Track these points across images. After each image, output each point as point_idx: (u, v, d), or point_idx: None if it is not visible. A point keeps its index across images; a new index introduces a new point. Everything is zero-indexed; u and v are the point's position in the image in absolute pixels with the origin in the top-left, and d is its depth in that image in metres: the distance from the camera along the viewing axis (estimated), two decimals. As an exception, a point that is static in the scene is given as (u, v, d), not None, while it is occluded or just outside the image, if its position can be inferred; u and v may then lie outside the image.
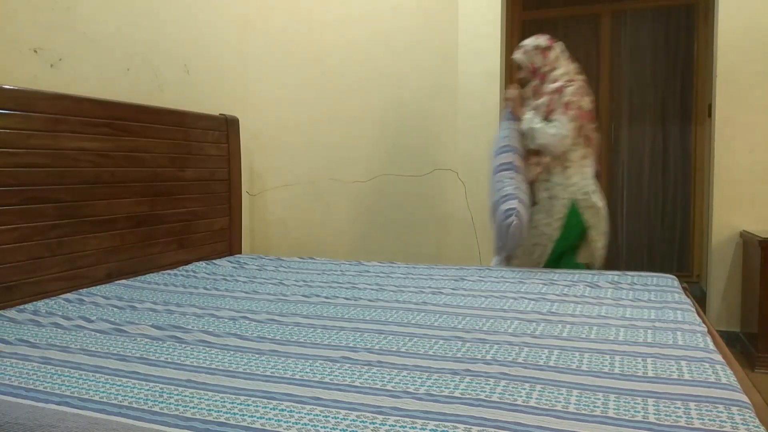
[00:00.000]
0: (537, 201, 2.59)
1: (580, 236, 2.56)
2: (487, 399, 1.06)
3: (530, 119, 2.55)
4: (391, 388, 1.12)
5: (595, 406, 1.02)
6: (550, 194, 2.54)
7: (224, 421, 0.99)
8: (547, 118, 2.52)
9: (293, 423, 0.98)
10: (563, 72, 2.60)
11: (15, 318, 1.66)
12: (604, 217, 2.57)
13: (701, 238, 4.04)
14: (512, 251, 2.56)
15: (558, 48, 2.64)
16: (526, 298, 1.86)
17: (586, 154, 2.57)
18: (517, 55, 2.68)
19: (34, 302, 1.84)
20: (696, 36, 4.08)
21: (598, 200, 2.55)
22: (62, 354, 1.36)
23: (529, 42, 2.67)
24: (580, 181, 2.52)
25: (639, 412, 1.00)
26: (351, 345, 1.40)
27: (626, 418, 0.98)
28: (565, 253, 2.60)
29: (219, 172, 2.82)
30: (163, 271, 2.37)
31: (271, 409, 1.04)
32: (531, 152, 2.60)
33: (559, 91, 2.52)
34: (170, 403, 1.07)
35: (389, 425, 0.96)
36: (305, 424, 0.97)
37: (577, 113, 2.48)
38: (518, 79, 2.72)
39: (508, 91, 2.68)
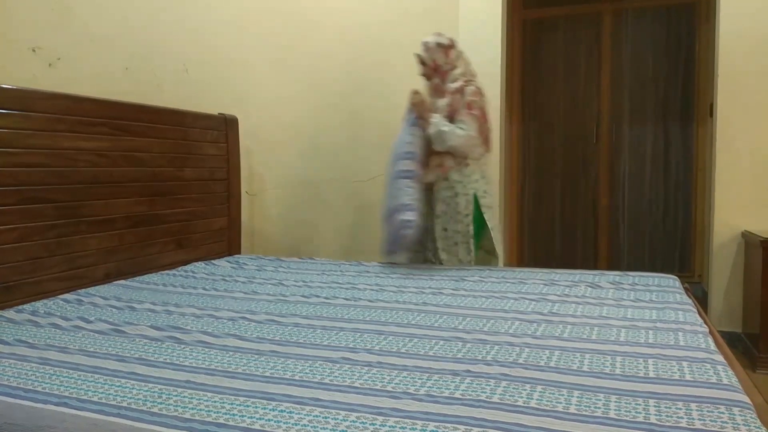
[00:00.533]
0: (438, 201, 2.66)
1: (481, 229, 2.68)
2: (488, 400, 1.05)
3: (438, 122, 2.57)
4: (391, 389, 1.11)
5: (596, 407, 1.02)
6: (454, 192, 2.63)
7: (223, 422, 0.99)
8: (450, 119, 2.58)
9: (293, 424, 0.97)
10: (462, 72, 2.68)
11: (13, 318, 1.66)
12: (496, 215, 2.77)
13: (702, 239, 4.03)
14: (400, 256, 2.66)
15: (458, 47, 2.71)
16: (526, 299, 1.86)
17: (483, 152, 2.68)
18: (420, 51, 2.69)
19: (33, 302, 1.84)
20: (697, 35, 4.07)
21: (491, 202, 2.73)
22: (61, 354, 1.35)
23: (432, 39, 2.69)
24: (480, 179, 2.66)
25: (640, 412, 1.00)
26: (351, 346, 1.39)
27: (627, 418, 0.97)
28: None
29: (218, 172, 2.81)
30: (162, 272, 2.37)
31: (270, 410, 1.03)
32: (432, 154, 2.62)
33: (460, 91, 2.60)
34: (169, 404, 1.06)
35: (389, 426, 0.96)
36: (305, 425, 0.97)
37: (478, 113, 2.58)
38: (422, 74, 2.73)
39: (413, 96, 2.66)
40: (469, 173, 2.66)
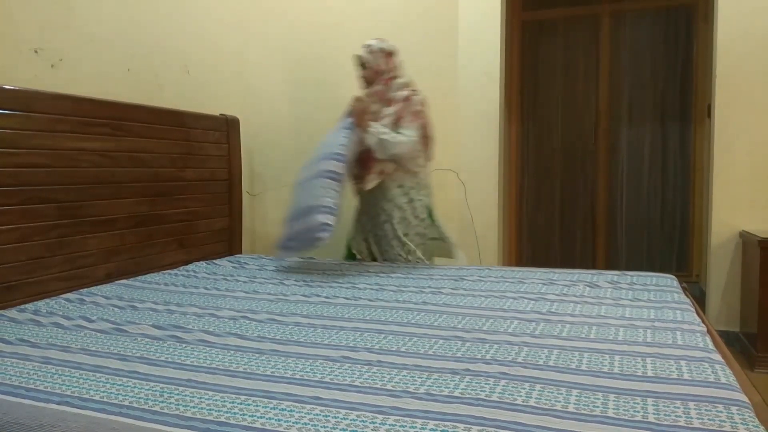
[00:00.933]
0: (395, 208, 2.68)
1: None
2: (487, 398, 1.06)
3: (377, 131, 2.54)
4: (391, 388, 1.12)
5: (594, 406, 1.03)
6: (409, 198, 2.68)
7: (225, 420, 1.00)
8: (395, 127, 2.58)
9: (293, 422, 0.98)
10: (406, 81, 2.70)
11: (15, 318, 1.67)
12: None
13: (700, 238, 4.05)
14: (297, 255, 2.66)
15: (400, 56, 2.71)
16: (525, 298, 1.86)
17: (424, 162, 2.72)
18: (363, 53, 2.68)
19: (35, 302, 1.85)
20: (695, 36, 4.08)
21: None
22: (63, 354, 1.36)
23: (375, 43, 2.68)
24: (428, 185, 2.76)
25: (638, 411, 1.00)
26: (351, 345, 1.40)
27: (626, 417, 0.98)
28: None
29: (219, 172, 2.82)
30: (164, 271, 2.38)
31: (271, 408, 1.04)
32: (371, 160, 2.61)
33: (408, 99, 2.61)
34: (171, 403, 1.07)
35: (389, 425, 0.97)
36: (305, 424, 0.97)
37: (423, 122, 2.60)
38: (359, 78, 2.72)
39: (355, 103, 2.62)
40: (421, 179, 2.73)
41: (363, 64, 2.68)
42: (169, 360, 1.31)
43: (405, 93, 2.64)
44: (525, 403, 1.04)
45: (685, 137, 4.18)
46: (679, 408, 1.01)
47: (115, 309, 1.78)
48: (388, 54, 2.69)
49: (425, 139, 2.65)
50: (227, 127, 2.86)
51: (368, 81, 2.71)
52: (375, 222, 2.73)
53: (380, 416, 1.00)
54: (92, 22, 2.22)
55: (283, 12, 3.41)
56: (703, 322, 1.58)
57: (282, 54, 3.39)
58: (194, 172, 2.63)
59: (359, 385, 1.14)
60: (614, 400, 1.05)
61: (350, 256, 2.88)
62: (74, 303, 1.84)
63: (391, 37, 3.40)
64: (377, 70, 2.67)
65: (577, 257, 4.48)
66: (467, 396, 1.07)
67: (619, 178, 4.35)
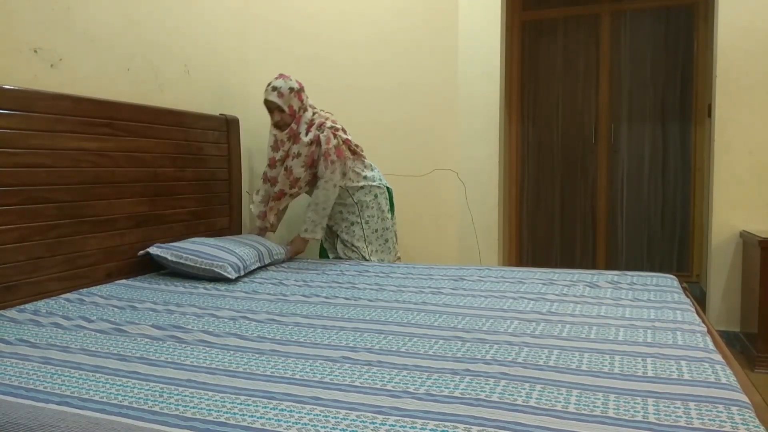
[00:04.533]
0: (364, 207, 2.84)
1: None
2: (487, 399, 1.06)
3: (311, 231, 2.74)
4: (391, 388, 1.12)
5: (594, 406, 1.03)
6: (373, 194, 2.86)
7: (224, 420, 0.99)
8: (308, 170, 2.72)
9: (293, 423, 0.98)
10: (312, 113, 2.74)
11: (15, 318, 1.67)
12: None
13: (701, 238, 4.05)
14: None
15: (304, 90, 2.75)
16: (525, 298, 1.86)
17: (357, 158, 2.88)
18: (273, 98, 2.65)
19: (35, 302, 1.84)
20: (696, 36, 4.08)
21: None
22: (62, 354, 1.36)
23: (282, 84, 2.66)
24: (376, 173, 2.92)
25: (639, 411, 1.00)
26: (351, 345, 1.40)
27: (626, 418, 0.98)
28: None
29: (219, 172, 2.81)
30: (163, 271, 2.37)
31: (271, 408, 1.04)
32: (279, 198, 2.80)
33: (315, 142, 2.67)
34: (170, 403, 1.07)
35: (389, 425, 0.97)
36: (305, 424, 0.97)
37: (335, 157, 2.70)
38: (274, 123, 2.72)
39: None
40: (372, 170, 2.89)
41: (278, 108, 2.66)
42: (169, 360, 1.31)
43: (311, 136, 2.67)
44: (525, 404, 1.04)
45: (685, 137, 4.18)
46: (679, 408, 1.01)
47: (115, 309, 1.78)
48: (298, 92, 2.69)
49: (342, 168, 2.77)
50: (227, 127, 2.86)
51: (284, 124, 2.70)
52: (341, 223, 2.88)
53: (380, 416, 1.00)
54: (92, 21, 2.22)
55: (283, 12, 3.40)
56: (704, 322, 1.58)
57: (282, 54, 3.39)
58: (194, 172, 2.63)
59: (359, 385, 1.14)
60: (614, 401, 1.05)
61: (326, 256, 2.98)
62: (74, 303, 1.84)
63: (391, 38, 3.40)
64: (291, 111, 2.67)
65: (577, 257, 4.48)
66: (467, 396, 1.07)
67: (619, 178, 4.35)
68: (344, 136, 2.80)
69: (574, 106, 4.41)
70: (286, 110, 2.66)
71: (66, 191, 2.01)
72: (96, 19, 2.24)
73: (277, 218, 2.89)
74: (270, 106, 2.69)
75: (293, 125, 2.69)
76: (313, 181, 2.79)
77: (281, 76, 2.70)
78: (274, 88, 2.65)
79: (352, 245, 2.83)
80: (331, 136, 2.70)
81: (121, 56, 2.36)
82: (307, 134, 2.68)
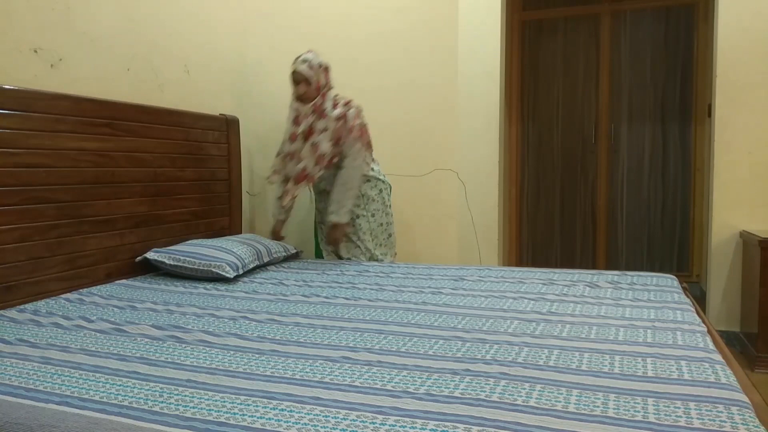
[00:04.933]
0: (370, 201, 2.84)
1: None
2: (487, 399, 1.06)
3: (345, 210, 2.72)
4: (391, 388, 1.12)
5: (594, 406, 1.03)
6: (378, 189, 2.87)
7: (224, 420, 0.99)
8: (335, 143, 2.68)
9: (293, 423, 0.98)
10: (336, 93, 2.74)
11: (15, 318, 1.67)
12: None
13: (701, 238, 4.05)
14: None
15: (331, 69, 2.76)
16: (525, 298, 1.86)
17: (368, 149, 2.85)
18: (303, 69, 2.64)
19: (35, 302, 1.85)
20: (696, 36, 4.08)
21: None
22: (62, 354, 1.36)
23: (312, 57, 2.67)
24: (379, 168, 2.94)
25: (639, 411, 1.00)
26: (351, 345, 1.40)
27: (626, 417, 0.98)
28: None
29: (219, 172, 2.81)
30: (163, 271, 2.37)
31: (271, 408, 1.04)
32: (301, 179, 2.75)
33: (343, 117, 2.67)
34: (170, 403, 1.07)
35: (389, 425, 0.97)
36: (305, 424, 0.97)
37: (359, 133, 2.71)
38: (298, 95, 2.70)
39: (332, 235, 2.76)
40: (377, 164, 2.90)
41: (305, 81, 2.65)
42: (169, 360, 1.31)
43: (339, 111, 2.66)
44: (525, 404, 1.04)
45: (685, 137, 4.18)
46: (679, 408, 1.01)
47: (115, 309, 1.78)
48: (326, 69, 2.70)
49: (367, 145, 2.78)
50: (227, 127, 2.86)
51: (308, 98, 2.68)
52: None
53: (380, 416, 1.00)
54: (92, 22, 2.22)
55: (283, 12, 3.40)
56: (704, 322, 1.58)
57: (282, 54, 3.39)
58: (194, 172, 2.63)
59: (359, 385, 1.14)
60: (614, 400, 1.05)
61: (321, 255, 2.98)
62: (74, 303, 1.84)
63: (391, 37, 3.40)
64: (317, 86, 2.67)
65: (577, 257, 4.48)
66: (467, 396, 1.07)
67: (619, 178, 4.35)
68: (365, 122, 2.82)
69: (574, 106, 4.41)
70: (312, 84, 2.65)
71: (66, 191, 2.01)
72: (96, 19, 2.24)
73: (292, 204, 2.84)
74: (297, 77, 2.67)
75: (318, 100, 2.68)
76: (332, 165, 2.76)
77: (311, 51, 2.72)
78: (305, 60, 2.66)
79: (358, 239, 2.81)
80: (357, 115, 2.72)
81: (121, 56, 2.36)
82: (333, 110, 2.68)
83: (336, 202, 2.70)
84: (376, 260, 2.83)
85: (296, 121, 2.72)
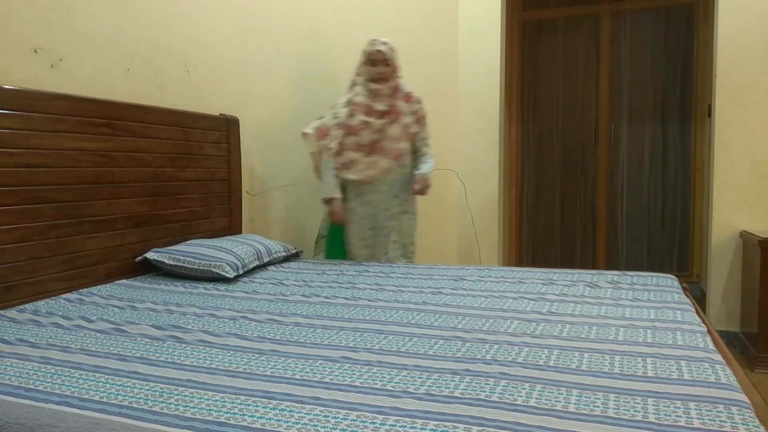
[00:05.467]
0: (403, 190, 2.87)
1: None
2: (487, 399, 1.06)
3: (430, 168, 2.83)
4: (391, 388, 1.12)
5: (594, 406, 1.03)
6: (408, 180, 2.89)
7: (224, 420, 0.99)
8: (418, 126, 2.81)
9: (293, 423, 0.98)
10: (402, 78, 2.84)
11: (15, 318, 1.67)
12: None
13: (701, 238, 4.05)
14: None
15: None
16: (525, 298, 1.86)
17: None
18: (386, 49, 2.72)
19: (35, 302, 1.84)
20: (696, 36, 4.08)
21: None
22: (62, 354, 1.36)
23: (389, 41, 2.75)
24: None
25: (639, 411, 1.00)
26: (351, 345, 1.40)
27: (626, 417, 0.98)
28: None
29: (219, 172, 2.81)
30: (163, 271, 2.37)
31: (271, 408, 1.04)
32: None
33: (419, 101, 2.81)
34: (170, 403, 1.07)
35: (389, 425, 0.97)
36: (305, 424, 0.97)
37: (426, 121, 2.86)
38: (377, 75, 2.75)
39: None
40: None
41: (386, 61, 2.72)
42: (169, 360, 1.31)
43: (417, 97, 2.79)
44: (525, 404, 1.04)
45: (685, 137, 4.18)
46: (679, 408, 1.01)
47: (115, 309, 1.78)
48: (396, 52, 2.79)
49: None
50: (227, 127, 2.86)
51: (386, 78, 2.75)
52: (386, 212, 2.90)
53: (380, 416, 1.00)
54: (92, 21, 2.22)
55: (283, 12, 3.40)
56: (704, 322, 1.58)
57: (282, 54, 3.39)
58: (194, 172, 2.63)
59: (359, 385, 1.14)
60: (614, 400, 1.05)
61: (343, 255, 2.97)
62: (74, 303, 1.84)
63: (391, 38, 3.41)
64: (393, 69, 2.74)
65: (577, 257, 4.48)
66: (467, 396, 1.07)
67: (619, 178, 4.35)
68: None
69: (574, 106, 4.41)
70: (390, 65, 2.72)
71: (66, 191, 2.01)
72: (96, 19, 2.24)
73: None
74: (378, 57, 2.73)
75: (397, 82, 2.76)
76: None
77: (380, 38, 2.80)
78: (385, 42, 2.73)
79: (411, 243, 2.86)
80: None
81: (121, 56, 2.36)
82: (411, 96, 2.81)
83: (426, 163, 2.82)
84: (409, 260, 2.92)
85: (372, 97, 2.77)
